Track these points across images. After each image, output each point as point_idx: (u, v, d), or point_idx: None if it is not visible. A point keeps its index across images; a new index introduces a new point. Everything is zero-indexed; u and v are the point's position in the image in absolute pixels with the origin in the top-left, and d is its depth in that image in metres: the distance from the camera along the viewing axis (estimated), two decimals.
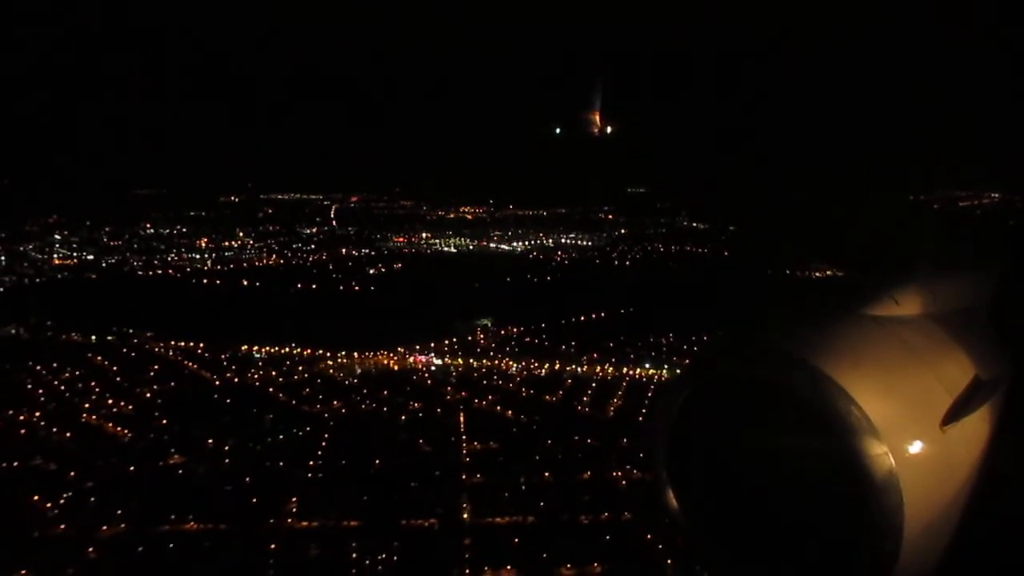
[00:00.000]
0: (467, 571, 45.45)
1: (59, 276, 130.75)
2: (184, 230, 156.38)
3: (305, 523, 51.07)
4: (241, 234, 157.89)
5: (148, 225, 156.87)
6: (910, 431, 2.37)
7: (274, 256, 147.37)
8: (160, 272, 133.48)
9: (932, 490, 2.39)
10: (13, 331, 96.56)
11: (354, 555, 46.98)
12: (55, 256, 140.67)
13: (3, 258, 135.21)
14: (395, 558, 46.67)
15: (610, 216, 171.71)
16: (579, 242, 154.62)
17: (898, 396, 2.42)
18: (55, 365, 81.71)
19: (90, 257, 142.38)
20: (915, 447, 2.36)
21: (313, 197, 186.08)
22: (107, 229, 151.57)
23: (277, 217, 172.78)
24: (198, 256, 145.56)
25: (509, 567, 45.38)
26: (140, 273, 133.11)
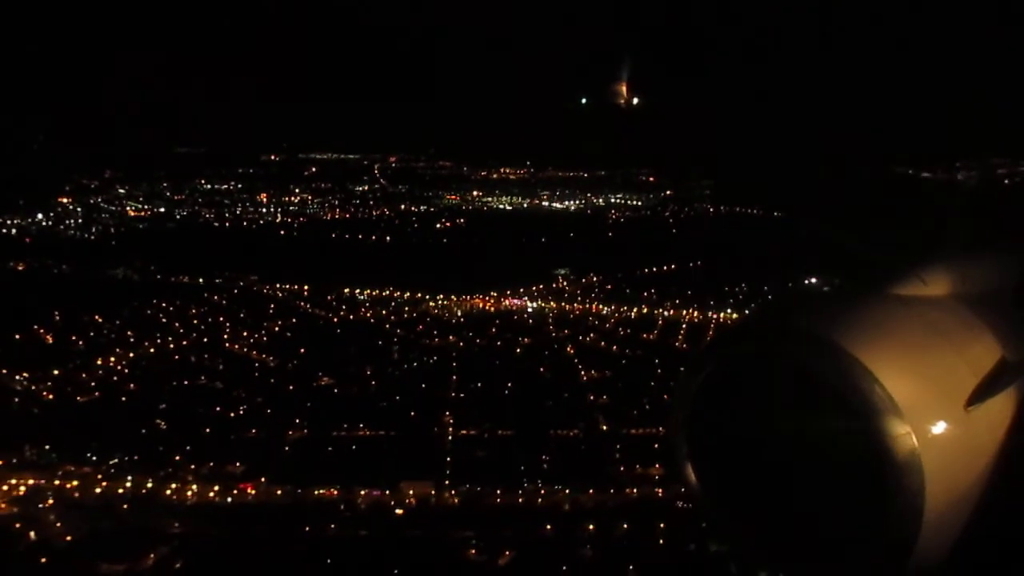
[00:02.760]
0: (621, 469, 52.59)
1: (140, 226, 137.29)
2: (240, 186, 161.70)
3: (464, 431, 58.20)
4: (296, 190, 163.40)
5: (203, 181, 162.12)
6: (934, 412, 2.38)
7: (338, 211, 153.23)
8: (235, 223, 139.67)
9: (954, 471, 2.39)
10: (121, 274, 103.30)
11: (520, 457, 54.03)
12: (129, 208, 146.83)
13: (80, 209, 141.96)
14: (556, 460, 53.73)
15: (651, 179, 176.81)
16: (628, 201, 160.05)
17: (922, 376, 2.43)
18: (177, 303, 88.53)
19: (162, 209, 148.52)
20: (938, 428, 2.36)
21: (351, 157, 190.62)
22: (165, 184, 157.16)
23: (323, 176, 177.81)
24: (265, 210, 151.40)
25: (657, 465, 52.34)
26: (216, 224, 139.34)
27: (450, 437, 57.32)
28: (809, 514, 2.52)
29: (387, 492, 49.33)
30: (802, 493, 2.52)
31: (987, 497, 2.49)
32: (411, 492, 49.25)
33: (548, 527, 46.21)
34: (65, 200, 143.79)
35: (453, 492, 49.84)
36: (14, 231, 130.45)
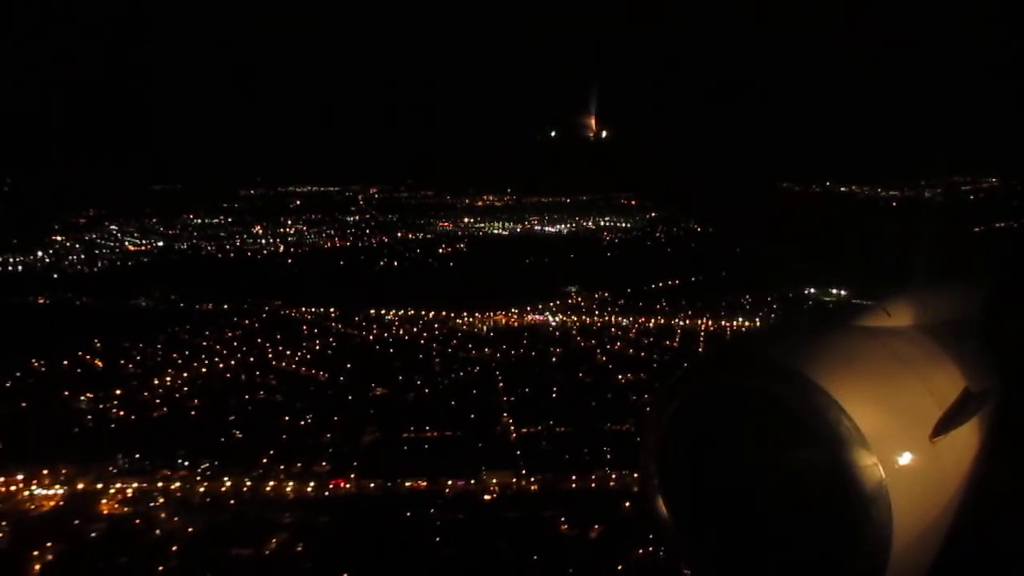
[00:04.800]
0: None
1: (144, 260, 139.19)
2: (230, 219, 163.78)
3: (525, 429, 62.45)
4: (288, 222, 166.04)
5: (192, 215, 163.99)
6: (900, 442, 2.40)
7: (336, 239, 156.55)
8: (239, 253, 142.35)
9: (921, 501, 2.41)
10: (144, 303, 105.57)
11: (582, 452, 58.42)
12: (127, 243, 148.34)
13: (78, 246, 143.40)
14: (616, 450, 58.16)
15: (633, 202, 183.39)
16: (617, 224, 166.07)
17: (888, 407, 2.45)
18: (212, 327, 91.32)
19: (160, 243, 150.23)
20: (905, 458, 2.38)
21: (332, 189, 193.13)
22: (154, 220, 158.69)
23: (309, 208, 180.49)
24: (264, 240, 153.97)
25: None
26: (220, 256, 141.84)
27: (514, 434, 61.56)
28: (779, 546, 2.54)
29: (472, 481, 53.37)
30: (772, 525, 2.54)
31: (954, 526, 2.54)
32: (494, 480, 53.36)
33: (627, 504, 50.69)
34: (59, 237, 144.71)
35: (532, 479, 54.07)
36: (20, 268, 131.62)
